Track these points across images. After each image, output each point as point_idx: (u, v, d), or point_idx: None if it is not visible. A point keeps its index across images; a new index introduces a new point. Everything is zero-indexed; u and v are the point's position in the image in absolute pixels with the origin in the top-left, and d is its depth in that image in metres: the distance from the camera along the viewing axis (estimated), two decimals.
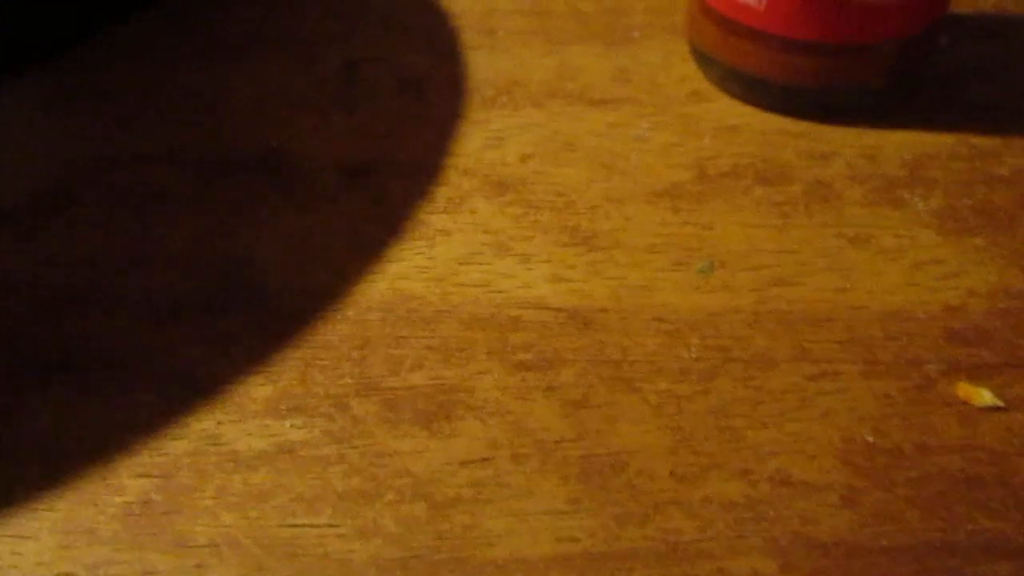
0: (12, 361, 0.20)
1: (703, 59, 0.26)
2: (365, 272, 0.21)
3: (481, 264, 0.21)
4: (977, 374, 0.19)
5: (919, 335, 0.20)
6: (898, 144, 0.24)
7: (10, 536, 0.17)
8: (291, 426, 0.18)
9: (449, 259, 0.21)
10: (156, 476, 0.17)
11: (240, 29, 0.28)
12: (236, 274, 0.21)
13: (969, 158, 0.24)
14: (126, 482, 0.17)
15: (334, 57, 0.27)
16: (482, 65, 0.27)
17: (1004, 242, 0.22)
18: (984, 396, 0.18)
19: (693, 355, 0.19)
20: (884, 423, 0.18)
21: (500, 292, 0.21)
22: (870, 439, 0.18)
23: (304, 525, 0.17)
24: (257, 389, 0.19)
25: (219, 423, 0.18)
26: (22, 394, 0.19)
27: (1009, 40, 0.28)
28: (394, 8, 0.29)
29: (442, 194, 0.23)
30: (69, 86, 0.26)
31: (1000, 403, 0.18)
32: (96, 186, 0.23)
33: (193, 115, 0.25)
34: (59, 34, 0.29)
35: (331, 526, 0.17)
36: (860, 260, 0.21)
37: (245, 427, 0.18)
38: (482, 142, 0.24)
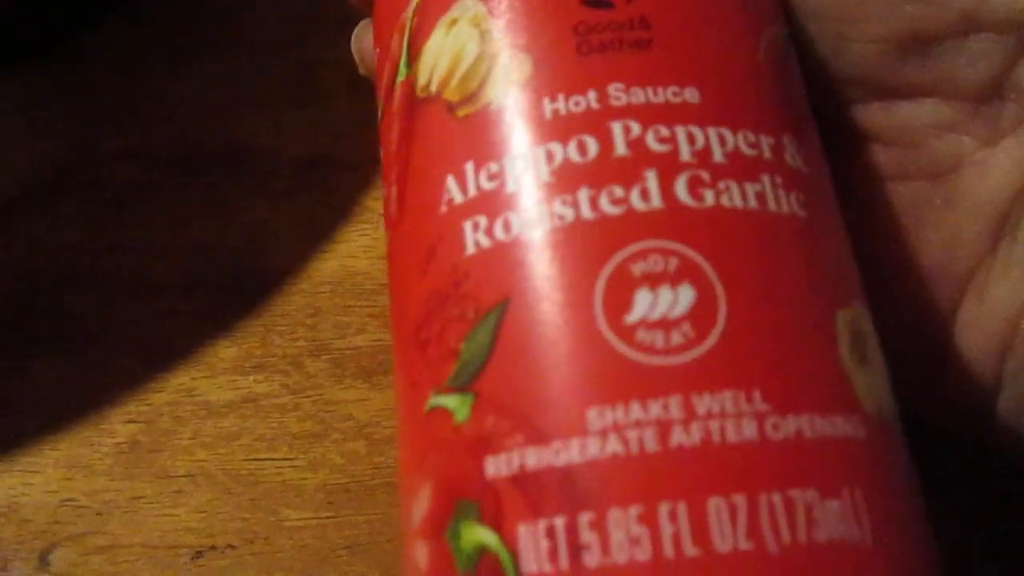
0: (12, 335, 0.23)
1: None
2: (318, 252, 0.25)
3: None
4: None
5: None
6: None
7: (21, 471, 0.20)
8: (254, 381, 0.22)
9: None
10: (141, 422, 0.21)
11: (202, 32, 0.31)
12: (204, 257, 0.25)
13: None
14: (117, 427, 0.21)
15: (291, 59, 0.31)
16: None
17: None
18: None
19: None
20: None
21: None
22: None
23: (265, 459, 0.21)
24: (225, 351, 0.22)
25: (193, 379, 0.22)
26: (24, 360, 0.22)
27: None
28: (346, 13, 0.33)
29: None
30: (47, 88, 0.29)
31: None
32: (78, 181, 0.26)
33: (162, 115, 0.29)
34: (34, 36, 0.31)
35: (287, 459, 0.21)
36: None
37: (215, 382, 0.22)
38: None
